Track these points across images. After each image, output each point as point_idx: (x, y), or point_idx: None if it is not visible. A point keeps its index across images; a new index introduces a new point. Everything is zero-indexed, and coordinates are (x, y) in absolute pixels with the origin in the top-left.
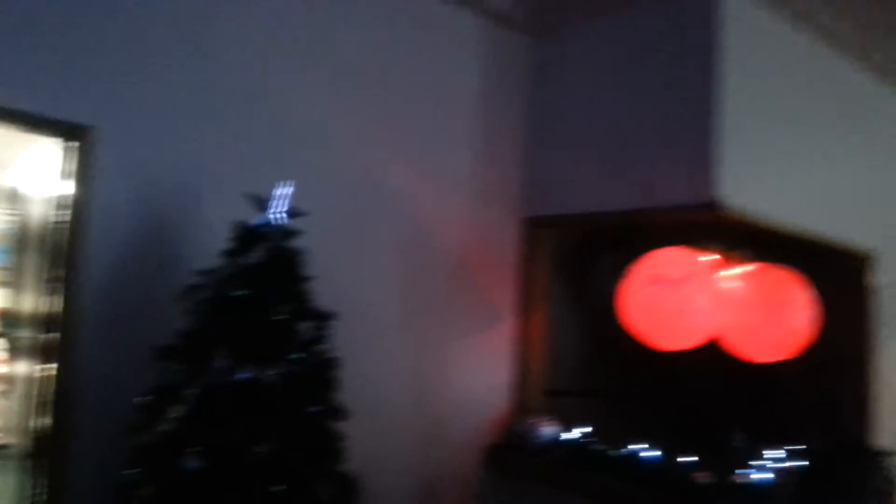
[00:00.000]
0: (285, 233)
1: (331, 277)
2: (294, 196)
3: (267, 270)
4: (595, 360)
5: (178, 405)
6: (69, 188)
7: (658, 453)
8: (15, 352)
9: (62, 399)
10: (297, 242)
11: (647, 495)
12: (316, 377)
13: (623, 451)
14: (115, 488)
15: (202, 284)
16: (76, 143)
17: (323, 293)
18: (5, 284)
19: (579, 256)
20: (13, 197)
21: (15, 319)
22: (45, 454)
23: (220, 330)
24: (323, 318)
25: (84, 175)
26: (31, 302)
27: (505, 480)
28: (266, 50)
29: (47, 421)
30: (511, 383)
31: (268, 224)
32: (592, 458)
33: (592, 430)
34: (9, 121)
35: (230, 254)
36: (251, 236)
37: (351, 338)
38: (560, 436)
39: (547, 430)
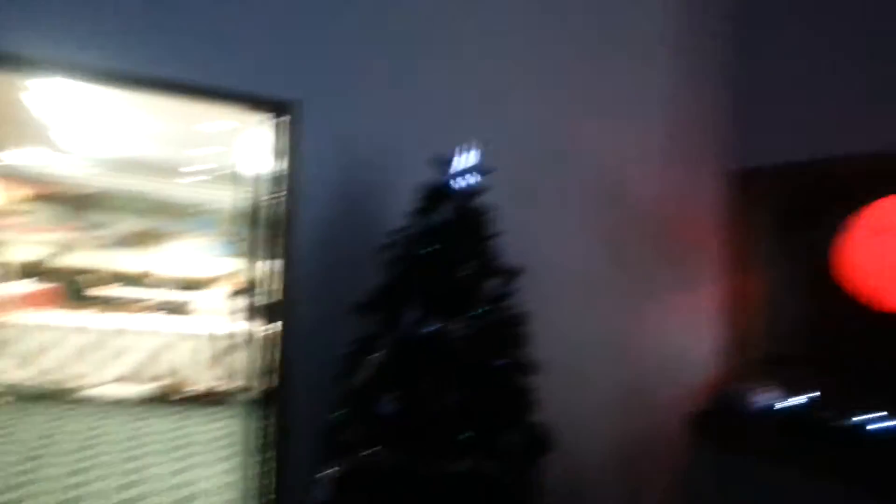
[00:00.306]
0: (471, 191)
1: (521, 234)
2: (481, 155)
3: (453, 228)
4: (816, 323)
5: (373, 355)
6: (281, 163)
7: (891, 424)
8: (249, 313)
9: (284, 352)
10: (483, 200)
11: (876, 470)
12: (502, 332)
13: (849, 421)
14: (326, 428)
15: (394, 243)
16: (285, 118)
17: (512, 250)
18: (241, 256)
19: (796, 210)
20: (237, 176)
21: (248, 286)
22: (271, 400)
23: (409, 285)
24: (509, 273)
25: (293, 148)
26: (258, 270)
27: (712, 449)
28: (453, 15)
29: (272, 371)
30: (720, 347)
31: (454, 183)
32: (813, 428)
33: (813, 399)
34: (221, 100)
35: (419, 213)
36: (438, 195)
37: (544, 294)
38: (776, 403)
39: (762, 396)
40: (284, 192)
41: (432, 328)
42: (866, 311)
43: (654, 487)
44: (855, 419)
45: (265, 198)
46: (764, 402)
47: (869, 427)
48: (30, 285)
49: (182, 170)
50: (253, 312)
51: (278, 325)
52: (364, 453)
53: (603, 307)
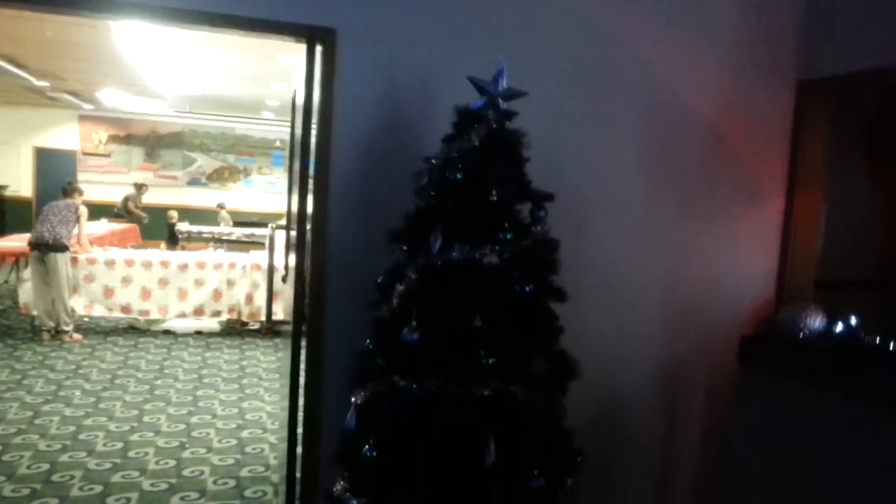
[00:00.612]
0: (503, 114)
1: (554, 158)
2: (515, 77)
3: (483, 153)
4: (877, 247)
5: (402, 283)
6: (317, 93)
7: None
8: (294, 246)
9: (320, 285)
10: (517, 124)
11: None
12: (532, 258)
13: None
14: (356, 358)
15: (427, 170)
16: (320, 47)
17: (551, 174)
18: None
19: (869, 124)
20: (285, 108)
21: (292, 219)
22: (308, 331)
23: (438, 212)
24: (541, 198)
25: (327, 78)
26: (296, 202)
27: (762, 376)
28: None
29: (309, 304)
30: (777, 270)
31: (485, 107)
32: (866, 352)
33: (868, 323)
34: (258, 29)
35: (450, 139)
36: (469, 120)
37: (585, 218)
38: (829, 328)
39: (814, 320)
40: (320, 123)
41: (460, 254)
42: None
43: (698, 415)
44: None
45: (302, 129)
46: (815, 326)
47: None
48: (110, 224)
49: (259, 107)
50: (296, 246)
51: (316, 258)
52: (389, 380)
53: (651, 229)
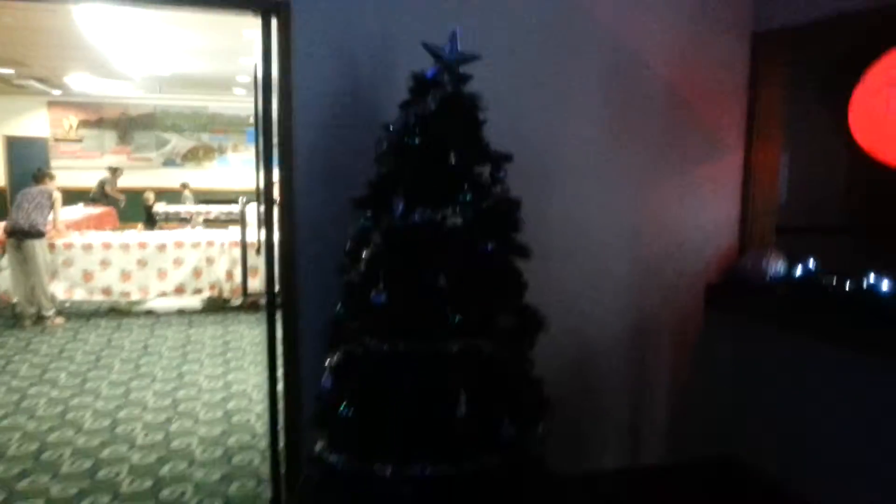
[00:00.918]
0: (458, 78)
1: (518, 119)
2: (471, 39)
3: (439, 117)
4: (837, 193)
5: (368, 248)
6: (274, 66)
7: None
8: (263, 220)
9: (288, 254)
10: (473, 87)
11: (887, 334)
12: (492, 218)
13: (860, 285)
14: (329, 322)
15: (386, 136)
16: (276, 20)
17: (512, 134)
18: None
19: (826, 72)
20: (251, 83)
21: (260, 194)
22: (282, 300)
23: (399, 177)
24: (499, 159)
25: (286, 50)
26: (263, 177)
27: (728, 321)
28: None
29: (282, 276)
30: (739, 219)
31: (440, 72)
32: (824, 294)
33: (826, 266)
34: (213, 4)
35: (407, 105)
36: (425, 85)
37: (546, 177)
38: (789, 272)
39: (775, 265)
40: (280, 97)
41: (422, 217)
42: (884, 173)
43: (666, 362)
44: (866, 283)
45: (263, 103)
46: (775, 270)
47: (881, 290)
48: (86, 209)
49: (229, 83)
50: (265, 219)
51: (285, 229)
52: (361, 341)
53: (613, 187)
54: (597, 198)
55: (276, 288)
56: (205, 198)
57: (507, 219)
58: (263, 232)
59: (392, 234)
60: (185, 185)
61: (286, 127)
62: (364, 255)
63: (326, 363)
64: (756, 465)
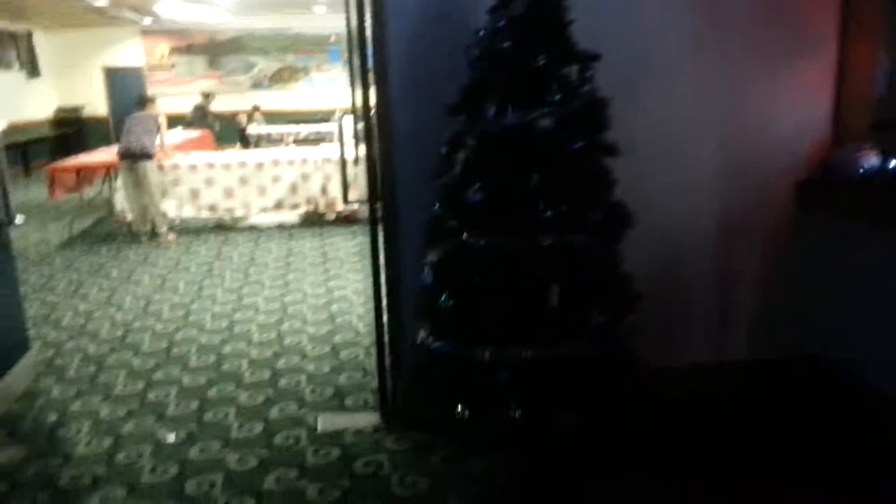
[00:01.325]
0: None
1: (605, 16)
2: None
3: (527, 20)
4: None
5: (463, 151)
6: None
7: None
8: (357, 135)
9: (387, 165)
10: None
11: None
12: (581, 117)
13: None
14: (428, 222)
15: (476, 42)
16: None
17: (594, 35)
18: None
19: None
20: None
21: (357, 110)
22: (383, 207)
23: (490, 81)
24: (585, 59)
25: None
26: (359, 93)
27: (818, 218)
28: None
29: (381, 183)
30: (832, 114)
31: None
32: None
33: None
34: None
35: (495, 9)
36: None
37: (636, 77)
38: (884, 166)
39: (869, 160)
40: (374, 13)
41: (513, 119)
42: None
43: (755, 259)
44: None
45: (352, 19)
46: (870, 164)
47: None
48: (185, 132)
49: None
50: (364, 135)
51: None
52: (458, 238)
53: (702, 81)
54: (685, 95)
55: (376, 198)
56: (292, 118)
57: (595, 118)
58: (362, 146)
59: (485, 136)
60: (256, 108)
61: (380, 42)
62: (459, 157)
63: (426, 259)
64: (843, 365)
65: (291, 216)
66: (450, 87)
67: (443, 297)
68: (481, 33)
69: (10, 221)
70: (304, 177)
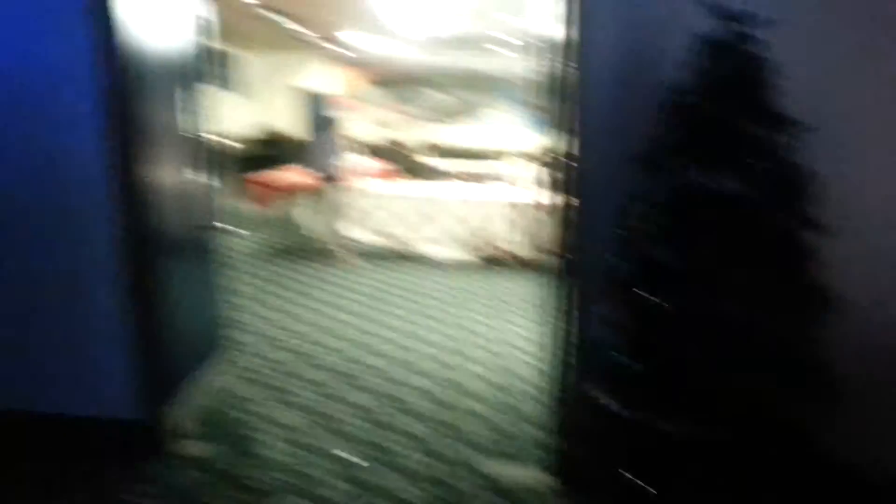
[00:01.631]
0: (746, 39)
1: (814, 81)
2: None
3: (726, 80)
4: None
5: (652, 208)
6: (567, 29)
7: None
8: (549, 183)
9: (573, 226)
10: (767, 50)
11: None
12: (781, 186)
13: None
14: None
15: (669, 98)
16: None
17: (809, 103)
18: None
19: None
20: (536, 46)
21: (547, 156)
22: (569, 267)
23: (681, 139)
24: (788, 125)
25: (576, 14)
26: (554, 141)
27: None
28: None
29: (568, 240)
30: None
31: (727, 33)
32: None
33: None
34: None
35: (692, 66)
36: (716, 48)
37: (856, 149)
38: None
39: None
40: (571, 60)
41: (702, 180)
42: None
43: None
44: None
45: (553, 65)
46: None
47: None
48: (367, 160)
49: (493, 43)
50: (552, 183)
51: (571, 192)
52: (640, 298)
53: None
54: None
55: (560, 251)
56: (462, 154)
57: (798, 189)
58: (549, 195)
59: (672, 194)
60: (432, 143)
61: (577, 89)
62: (648, 213)
63: (610, 316)
64: None
65: (461, 252)
66: (639, 140)
67: (624, 358)
68: (676, 90)
69: (214, 227)
70: (485, 217)
